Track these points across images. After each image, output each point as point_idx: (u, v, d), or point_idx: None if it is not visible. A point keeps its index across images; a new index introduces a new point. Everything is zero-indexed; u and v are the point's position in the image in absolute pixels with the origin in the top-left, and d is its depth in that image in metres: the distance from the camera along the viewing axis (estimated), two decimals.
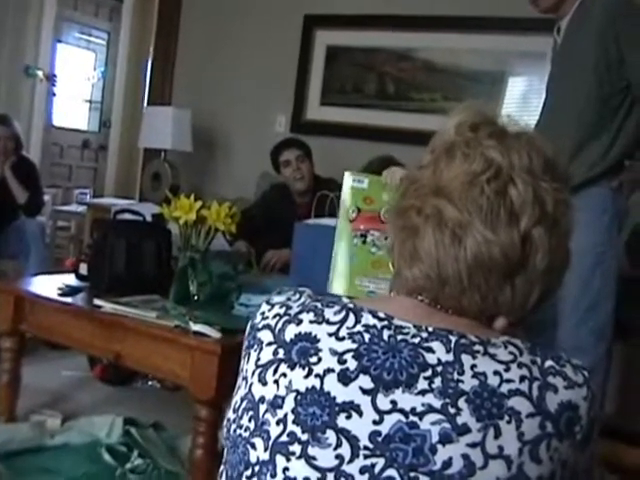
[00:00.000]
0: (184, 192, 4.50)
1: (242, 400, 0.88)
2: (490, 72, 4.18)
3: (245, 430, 0.86)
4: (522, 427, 0.78)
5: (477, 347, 0.82)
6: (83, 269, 2.67)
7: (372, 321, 0.85)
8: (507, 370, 0.80)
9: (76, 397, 3.10)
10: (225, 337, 2.09)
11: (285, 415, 0.82)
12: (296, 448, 0.81)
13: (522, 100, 4.21)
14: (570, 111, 2.43)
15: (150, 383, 3.33)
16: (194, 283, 2.46)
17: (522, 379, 0.80)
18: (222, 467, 0.92)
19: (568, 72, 2.53)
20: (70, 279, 2.70)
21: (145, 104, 5.39)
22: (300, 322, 0.87)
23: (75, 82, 6.60)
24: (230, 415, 0.91)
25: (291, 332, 0.87)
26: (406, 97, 4.41)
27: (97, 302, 2.33)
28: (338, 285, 1.94)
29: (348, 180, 1.94)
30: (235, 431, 0.88)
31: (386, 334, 0.84)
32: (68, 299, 2.48)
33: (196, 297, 2.46)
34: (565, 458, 0.80)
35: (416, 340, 0.83)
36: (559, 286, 0.90)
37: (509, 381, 0.80)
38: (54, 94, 6.16)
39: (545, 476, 0.78)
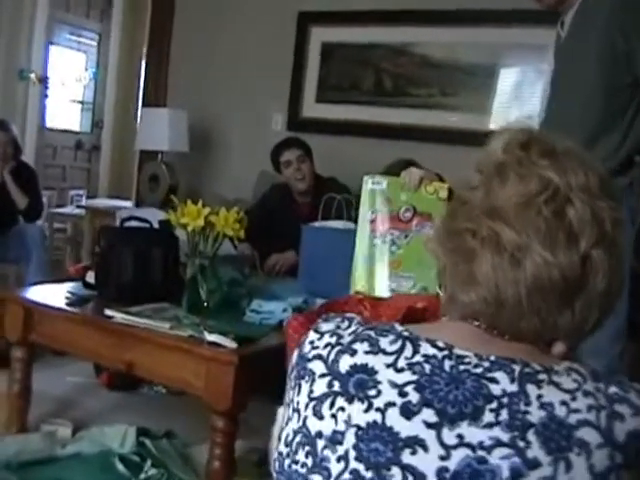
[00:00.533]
0: (182, 193, 4.54)
1: (295, 434, 0.85)
2: (486, 65, 4.17)
3: (302, 466, 0.83)
4: (592, 459, 0.75)
5: (541, 376, 0.80)
6: (90, 277, 2.65)
7: (431, 351, 0.82)
8: (574, 399, 0.78)
9: (84, 404, 3.08)
10: (240, 347, 2.07)
11: (346, 452, 0.79)
12: None
13: (515, 92, 4.20)
14: (575, 108, 2.42)
15: (156, 389, 3.31)
16: (204, 290, 2.44)
17: (589, 408, 0.78)
18: None
19: (573, 67, 2.51)
20: (77, 287, 2.68)
21: (139, 105, 5.36)
22: (355, 352, 0.84)
23: (67, 83, 6.55)
24: (282, 449, 0.88)
25: (346, 363, 0.83)
26: (404, 93, 4.39)
27: (108, 312, 2.31)
28: (360, 285, 1.96)
29: (367, 182, 1.97)
30: (290, 466, 0.85)
31: (447, 364, 0.81)
32: (77, 309, 2.46)
33: (206, 304, 2.45)
34: None
35: (479, 370, 0.80)
36: (613, 309, 0.88)
37: (577, 411, 0.77)
38: (47, 96, 6.11)
39: None
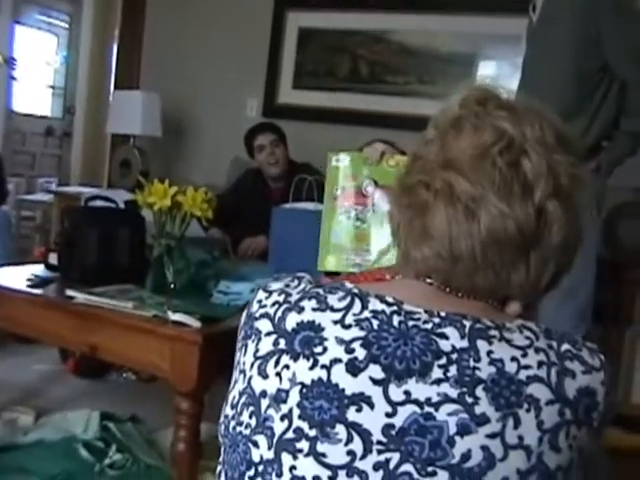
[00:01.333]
0: (154, 178, 4.44)
1: (241, 395, 0.83)
2: (464, 54, 4.13)
3: (246, 427, 0.81)
4: (541, 415, 0.75)
5: (493, 332, 0.78)
6: (53, 259, 2.56)
7: (380, 306, 0.80)
8: (524, 356, 0.77)
9: (49, 392, 3.01)
10: (205, 326, 2.01)
11: (290, 410, 0.77)
12: (304, 445, 0.76)
13: (493, 83, 4.16)
14: (547, 92, 2.38)
15: (125, 375, 3.25)
16: (171, 271, 2.37)
17: (540, 365, 0.77)
18: (219, 467, 0.86)
19: (545, 51, 2.48)
20: (39, 269, 2.59)
21: (111, 89, 5.26)
22: (302, 310, 0.81)
23: (36, 67, 6.42)
24: (228, 411, 0.85)
25: (292, 321, 0.81)
26: (380, 80, 4.34)
27: (70, 293, 2.23)
28: (327, 262, 1.96)
29: (331, 160, 1.96)
30: (234, 429, 0.82)
31: (396, 320, 0.79)
32: (39, 290, 2.38)
33: (173, 285, 2.38)
34: (582, 445, 0.78)
35: (428, 326, 0.78)
36: (570, 266, 0.86)
37: (527, 367, 0.76)
38: (14, 78, 5.98)
39: (564, 466, 0.76)
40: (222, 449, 0.86)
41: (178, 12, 4.88)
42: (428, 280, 0.83)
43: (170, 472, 2.15)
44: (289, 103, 4.58)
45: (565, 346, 0.79)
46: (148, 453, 2.37)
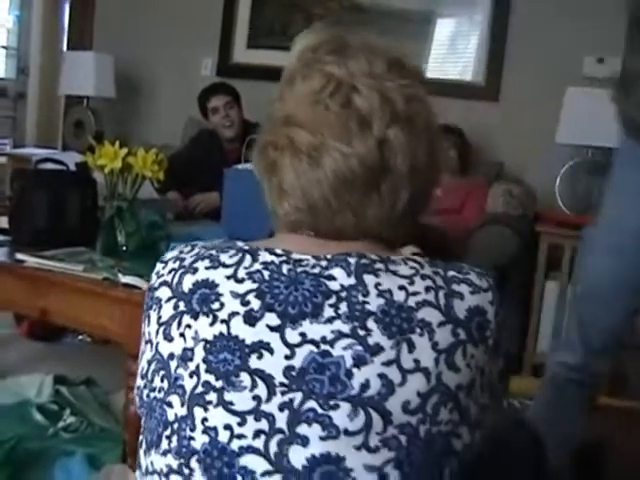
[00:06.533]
0: (109, 140, 4.38)
1: (150, 363, 0.86)
2: (418, 11, 4.11)
3: (159, 391, 0.84)
4: (435, 337, 0.78)
5: (378, 265, 0.82)
6: (3, 222, 2.53)
7: (270, 258, 0.84)
8: (411, 283, 0.80)
9: (2, 356, 2.98)
10: None
11: (197, 366, 0.81)
12: (212, 397, 0.80)
13: (450, 41, 4.16)
14: None
15: (80, 337, 3.23)
16: (122, 233, 2.36)
17: (427, 290, 0.80)
18: (141, 437, 0.88)
19: None
20: None
21: (65, 49, 5.15)
22: (196, 270, 0.85)
23: None
24: (139, 382, 0.88)
25: (188, 282, 0.85)
26: None
27: (19, 256, 2.20)
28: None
29: None
30: (148, 396, 0.85)
31: (285, 268, 0.82)
32: None
33: (124, 248, 2.36)
34: (482, 365, 0.81)
35: (316, 270, 0.82)
36: (430, 187, 0.90)
37: (415, 294, 0.80)
38: None
39: (464, 384, 0.79)
40: (142, 420, 0.88)
41: None
42: (309, 232, 0.87)
43: (123, 434, 2.16)
44: (244, 62, 4.55)
45: (451, 272, 0.83)
46: (102, 416, 2.37)
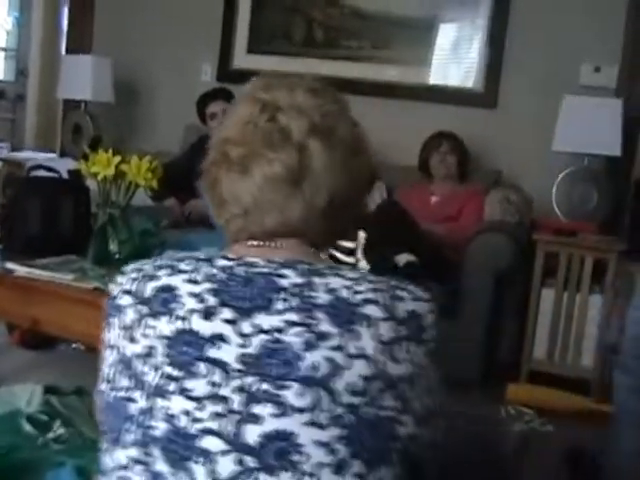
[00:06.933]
0: (106, 145, 4.38)
1: (113, 366, 0.92)
2: (418, 18, 4.09)
3: (125, 390, 0.90)
4: (379, 330, 0.86)
5: (326, 271, 0.91)
6: None
7: (225, 263, 0.92)
8: (358, 284, 0.89)
9: None
10: None
11: (159, 361, 0.88)
12: (172, 387, 0.87)
13: (452, 46, 4.14)
14: None
15: (74, 346, 3.21)
16: (114, 241, 2.34)
17: (373, 291, 0.89)
18: (102, 441, 0.93)
19: None
20: None
21: (63, 52, 5.13)
22: (158, 278, 0.93)
23: None
24: (103, 387, 0.93)
25: (150, 288, 0.92)
26: (334, 45, 4.30)
27: (9, 266, 2.19)
28: None
29: None
30: (114, 397, 0.91)
31: (241, 270, 0.91)
32: None
33: (117, 255, 2.35)
34: (423, 364, 0.89)
35: (268, 270, 0.90)
36: (354, 194, 1.02)
37: (360, 292, 0.88)
38: None
39: (406, 377, 0.87)
40: (103, 428, 0.94)
41: None
42: (247, 243, 0.98)
43: None
44: (244, 68, 4.51)
45: (393, 282, 0.92)
46: (93, 426, 2.34)
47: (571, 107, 3.51)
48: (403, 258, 3.07)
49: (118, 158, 2.39)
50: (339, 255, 2.15)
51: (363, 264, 2.16)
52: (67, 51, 5.00)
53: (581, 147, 3.50)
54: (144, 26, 4.73)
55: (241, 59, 4.56)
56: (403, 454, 0.86)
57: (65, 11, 5.11)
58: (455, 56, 4.12)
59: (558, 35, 3.85)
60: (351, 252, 2.16)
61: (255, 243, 0.98)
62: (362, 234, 2.16)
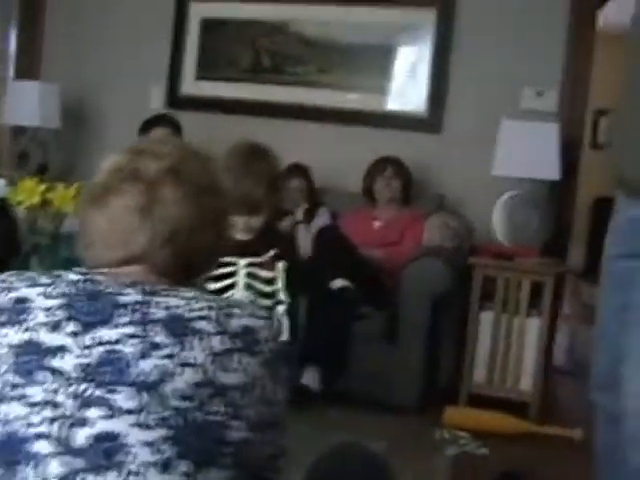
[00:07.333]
0: (55, 171, 4.36)
1: None
2: (362, 45, 4.15)
3: None
4: (210, 342, 0.95)
5: (165, 291, 1.00)
6: None
7: (75, 277, 1.02)
8: (193, 302, 0.98)
9: None
10: None
11: (6, 368, 0.95)
12: (12, 393, 0.94)
13: (398, 73, 4.18)
14: None
15: None
16: (38, 271, 2.33)
17: (207, 308, 0.98)
18: None
19: None
20: None
21: (10, 77, 5.11)
22: (16, 289, 1.01)
23: None
24: None
25: (8, 298, 1.00)
26: (281, 71, 4.34)
27: None
28: None
29: None
30: None
31: (88, 286, 1.00)
32: None
33: None
34: (257, 374, 0.98)
35: (113, 289, 1.00)
36: (204, 229, 1.11)
37: (194, 309, 0.97)
38: None
39: (237, 386, 0.95)
40: None
41: (80, 1, 4.77)
42: (102, 270, 1.06)
43: None
44: (193, 94, 4.54)
45: (231, 302, 1.04)
46: None
47: (509, 131, 3.56)
48: (338, 283, 3.09)
49: (43, 186, 2.40)
50: (257, 285, 2.17)
51: (282, 296, 2.18)
52: (16, 77, 4.98)
53: (520, 171, 3.54)
54: (93, 53, 4.73)
55: (190, 85, 4.58)
56: (235, 458, 0.94)
57: (13, 36, 5.08)
58: (400, 82, 4.18)
59: (500, 61, 3.92)
60: (270, 281, 2.18)
61: (105, 270, 1.07)
62: (281, 264, 2.19)
